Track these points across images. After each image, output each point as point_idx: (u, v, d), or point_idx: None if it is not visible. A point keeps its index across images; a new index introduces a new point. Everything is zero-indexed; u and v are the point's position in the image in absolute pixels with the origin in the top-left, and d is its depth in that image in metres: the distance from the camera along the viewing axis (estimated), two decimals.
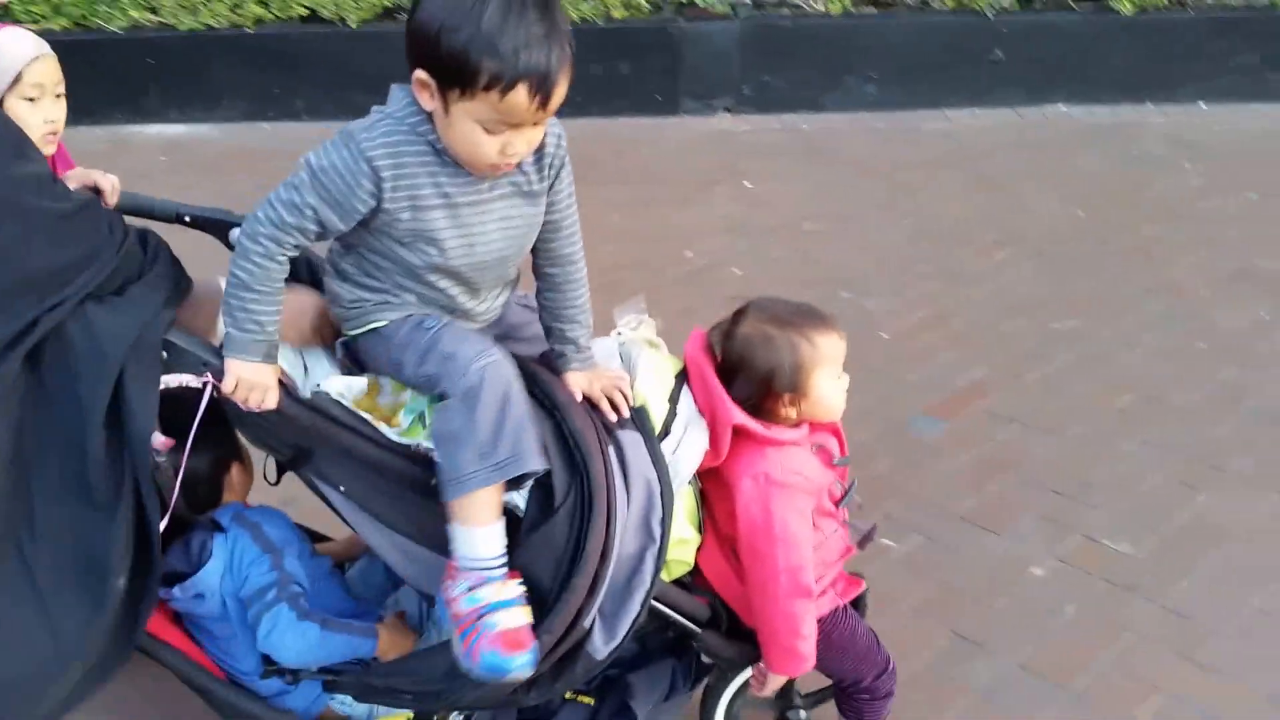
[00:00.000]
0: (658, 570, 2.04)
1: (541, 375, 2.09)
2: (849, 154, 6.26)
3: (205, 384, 1.92)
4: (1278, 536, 3.32)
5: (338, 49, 6.44)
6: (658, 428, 2.11)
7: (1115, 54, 6.92)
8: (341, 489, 2.04)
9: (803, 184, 5.86)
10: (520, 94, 1.75)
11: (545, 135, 1.93)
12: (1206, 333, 4.47)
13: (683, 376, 2.21)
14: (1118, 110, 6.89)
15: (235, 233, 2.01)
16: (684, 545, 2.16)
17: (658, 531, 2.03)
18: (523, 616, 1.92)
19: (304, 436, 2.01)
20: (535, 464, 1.91)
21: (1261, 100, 6.99)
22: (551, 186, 2.01)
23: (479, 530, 1.93)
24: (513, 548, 1.97)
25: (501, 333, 2.16)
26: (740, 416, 2.11)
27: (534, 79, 1.74)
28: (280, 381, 1.94)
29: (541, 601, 1.96)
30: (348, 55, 6.42)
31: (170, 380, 1.92)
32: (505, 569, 1.95)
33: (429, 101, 1.82)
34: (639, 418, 2.10)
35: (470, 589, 1.93)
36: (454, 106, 1.79)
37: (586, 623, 1.99)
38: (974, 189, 5.81)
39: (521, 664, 1.89)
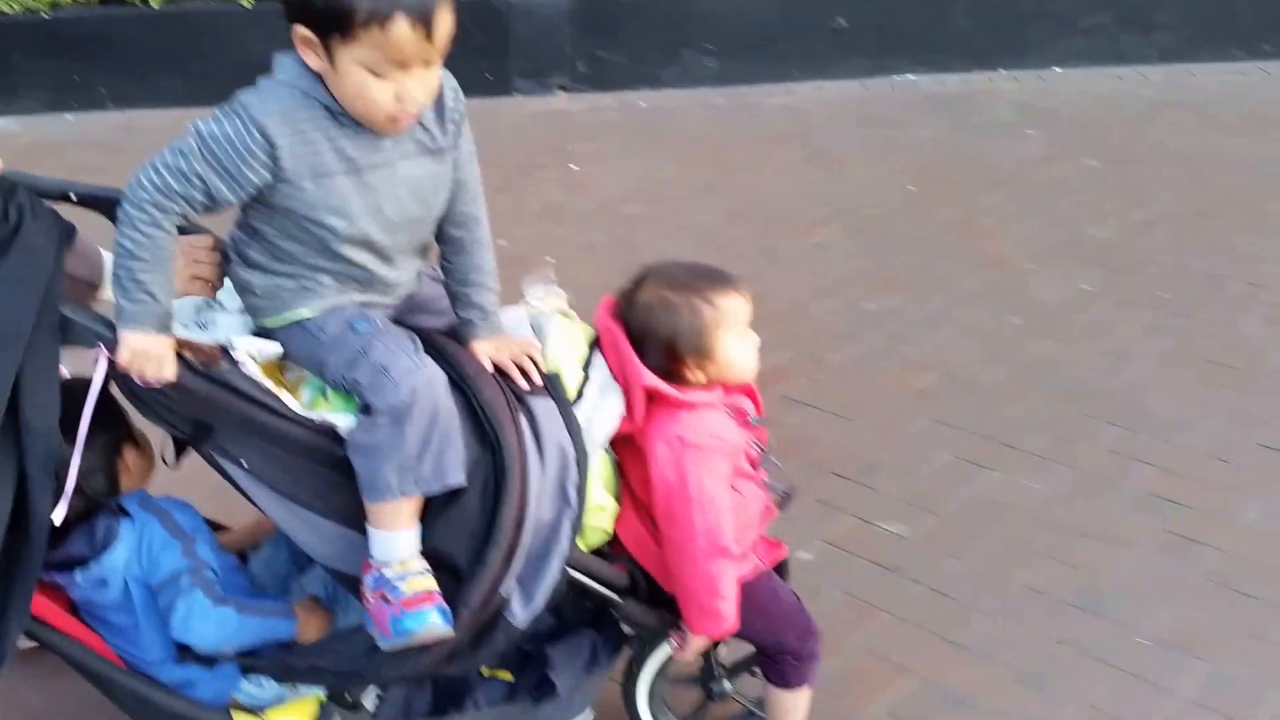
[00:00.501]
0: (574, 535, 2.08)
1: (448, 348, 2.09)
2: (684, 132, 6.25)
3: (99, 358, 1.88)
4: (1059, 512, 3.37)
5: (140, 32, 6.30)
6: (571, 394, 2.14)
7: (964, 20, 6.99)
8: (244, 465, 2.01)
9: (631, 165, 5.86)
10: (401, 25, 1.73)
11: (443, 89, 1.93)
12: (1023, 308, 4.52)
13: (596, 343, 2.24)
14: (968, 79, 6.96)
15: None
16: (601, 512, 2.18)
17: (574, 497, 2.06)
18: (427, 581, 1.96)
19: (204, 410, 1.97)
20: (456, 479, 1.95)
21: (1115, 63, 7.04)
22: (455, 143, 2.00)
23: (396, 534, 1.97)
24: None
25: (413, 307, 2.16)
26: (652, 380, 2.13)
27: (412, 7, 1.72)
28: (178, 353, 1.90)
29: (458, 576, 2.00)
30: (151, 38, 6.32)
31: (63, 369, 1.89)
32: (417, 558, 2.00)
33: (315, 59, 1.80)
34: (551, 384, 2.12)
35: (379, 577, 1.98)
36: (338, 56, 1.77)
37: (504, 591, 2.02)
38: (806, 165, 5.86)
39: (430, 621, 1.94)
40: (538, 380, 2.12)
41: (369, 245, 1.97)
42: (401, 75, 1.79)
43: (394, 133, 1.88)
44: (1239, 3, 7.15)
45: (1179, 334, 4.34)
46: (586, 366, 2.20)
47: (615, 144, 6.12)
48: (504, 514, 1.98)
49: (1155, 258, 4.88)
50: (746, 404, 2.31)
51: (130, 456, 2.28)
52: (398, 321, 2.11)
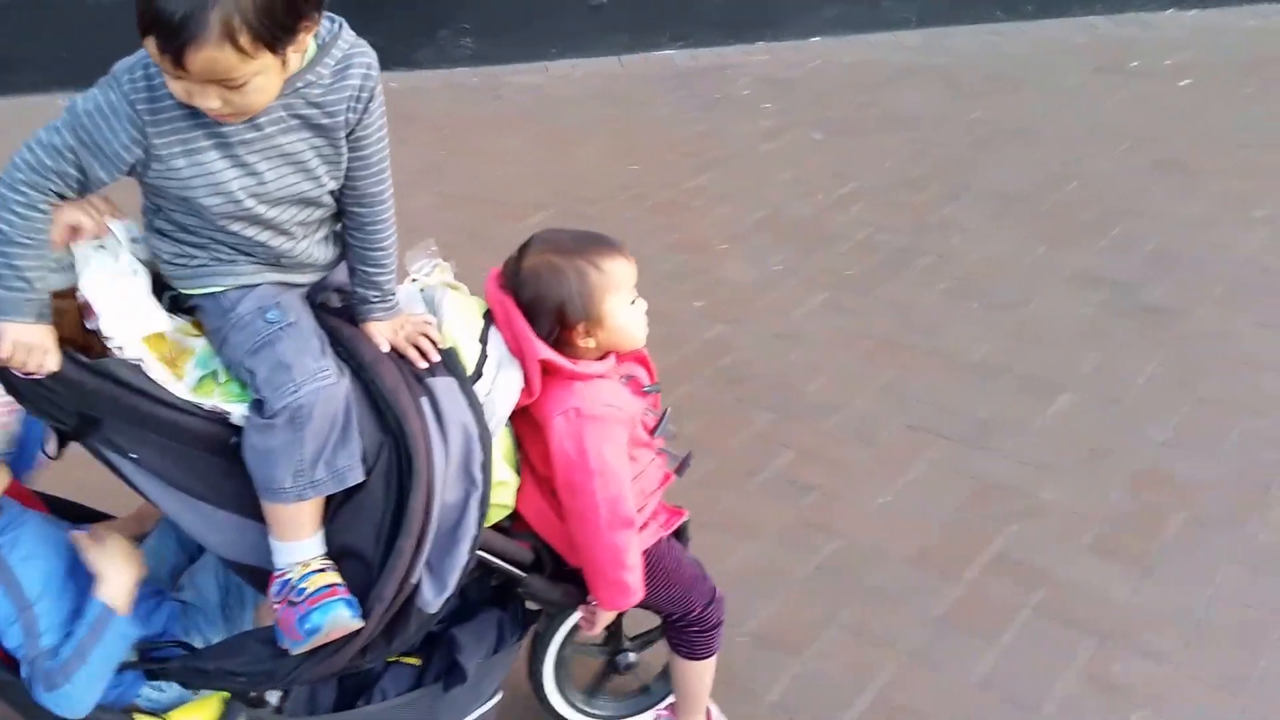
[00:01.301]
0: (483, 515, 2.03)
1: (343, 331, 2.01)
2: (426, 116, 6.11)
3: None
4: (693, 501, 3.24)
5: None
6: (470, 370, 2.07)
7: None
8: (133, 456, 1.91)
9: None
10: (151, 46, 1.62)
11: (351, 67, 1.84)
12: (708, 290, 4.47)
13: (490, 316, 2.17)
14: (724, 52, 6.87)
15: None
16: (503, 488, 2.13)
17: (479, 476, 2.01)
18: (330, 575, 1.92)
19: (89, 403, 1.87)
20: (354, 478, 1.90)
21: (874, 30, 7.03)
22: (360, 120, 1.89)
23: (299, 544, 1.92)
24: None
25: (324, 284, 2.10)
26: (546, 352, 2.09)
27: (163, 32, 1.59)
28: (61, 344, 1.81)
29: (367, 568, 1.95)
30: None
31: None
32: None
33: None
34: (450, 361, 2.05)
35: (283, 583, 1.93)
36: None
37: (415, 579, 1.97)
38: (538, 147, 5.75)
39: (335, 613, 1.90)
40: (436, 359, 2.05)
41: (259, 220, 1.89)
42: (187, 84, 1.68)
43: (228, 122, 1.77)
44: None
45: (854, 312, 4.32)
46: (483, 340, 2.13)
47: None
48: (413, 501, 1.92)
49: (849, 233, 4.85)
50: (640, 372, 2.30)
51: None
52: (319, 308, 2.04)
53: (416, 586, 2.00)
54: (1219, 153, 5.48)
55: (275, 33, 1.67)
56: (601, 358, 2.19)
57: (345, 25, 1.88)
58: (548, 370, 2.13)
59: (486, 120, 6.06)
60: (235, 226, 1.89)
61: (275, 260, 1.97)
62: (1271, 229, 4.76)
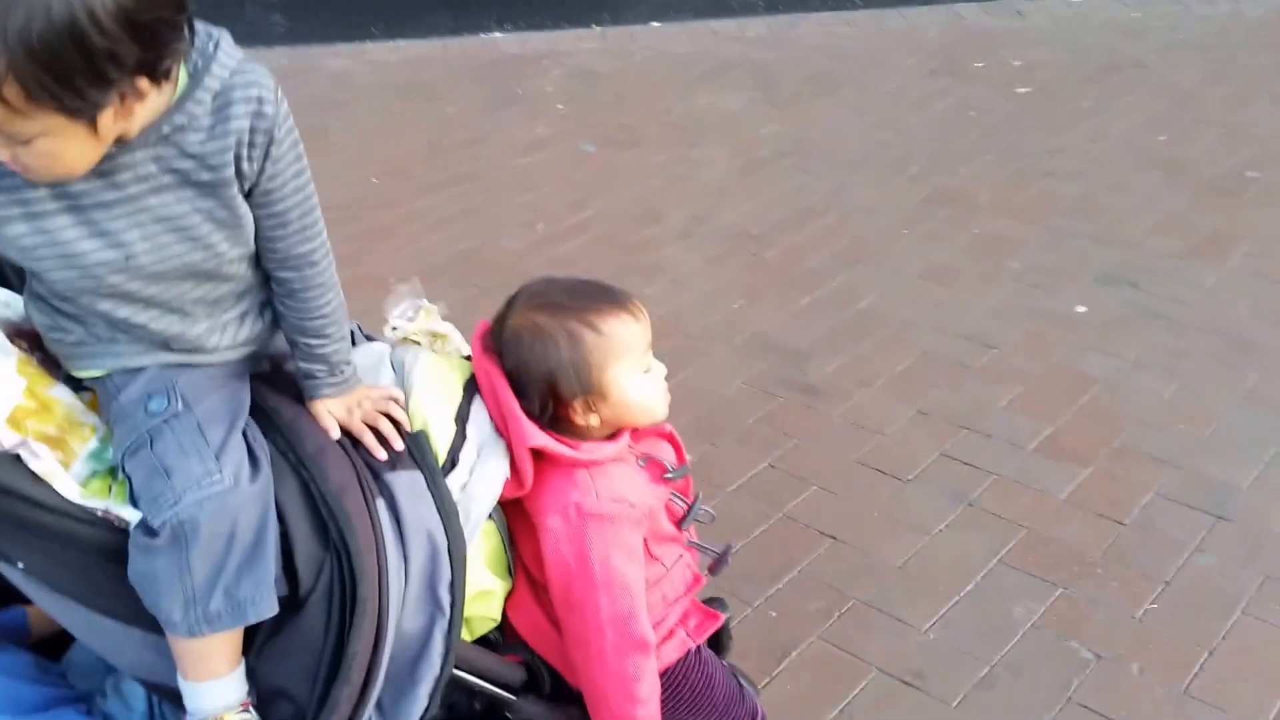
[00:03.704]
0: (449, 649, 1.62)
1: (283, 416, 1.63)
2: None
3: None
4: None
5: None
6: (442, 457, 1.68)
7: None
8: (20, 565, 1.51)
9: None
10: None
11: (232, 104, 1.41)
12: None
13: (473, 384, 1.76)
14: (556, 37, 6.25)
15: None
16: (487, 598, 1.74)
17: (446, 600, 1.61)
18: None
19: None
20: (262, 611, 1.49)
21: (719, 15, 6.38)
22: (262, 170, 1.47)
23: (208, 685, 1.53)
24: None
25: (273, 357, 1.72)
26: (538, 437, 1.68)
27: None
28: None
29: (300, 714, 1.56)
30: None
31: None
32: (238, 704, 1.56)
33: None
34: (417, 448, 1.66)
35: None
36: None
37: None
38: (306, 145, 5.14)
39: None
40: (398, 445, 1.65)
41: (132, 298, 1.50)
42: None
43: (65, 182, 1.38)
44: None
45: None
46: (461, 419, 1.73)
47: None
48: (354, 642, 1.52)
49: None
50: (665, 451, 1.89)
51: None
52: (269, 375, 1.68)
53: None
54: (1006, 184, 4.73)
55: (57, 91, 1.23)
56: (611, 436, 1.76)
57: (225, 41, 1.42)
58: (543, 455, 1.69)
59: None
60: (104, 305, 1.49)
61: (163, 343, 1.56)
62: (1013, 289, 4.03)
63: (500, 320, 1.74)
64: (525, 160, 4.95)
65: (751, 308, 3.87)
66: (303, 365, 1.67)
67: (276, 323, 1.68)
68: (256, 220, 1.55)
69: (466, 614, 1.69)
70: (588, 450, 1.72)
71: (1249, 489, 3.01)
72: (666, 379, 1.84)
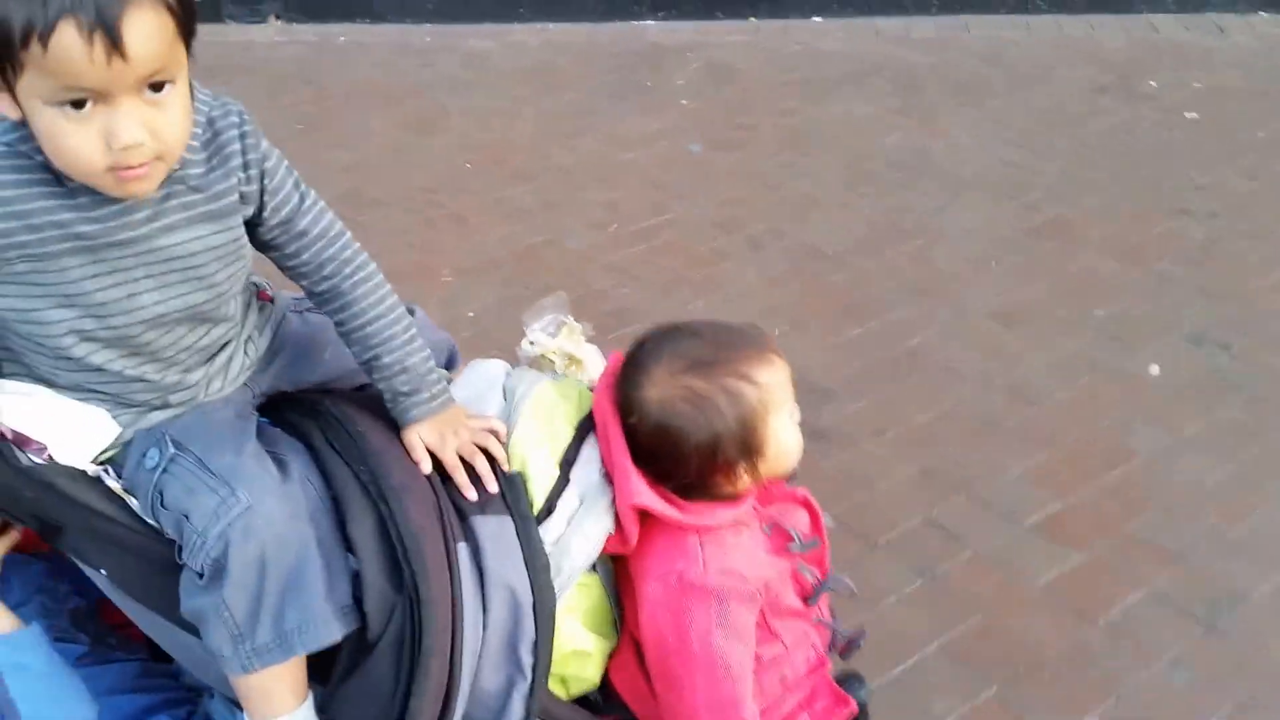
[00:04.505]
0: (529, 713, 1.56)
1: (370, 443, 1.58)
2: (347, 76, 5.73)
3: None
4: None
5: None
6: (538, 503, 1.59)
7: None
8: (103, 571, 1.58)
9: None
10: (67, 36, 1.21)
11: (220, 134, 1.46)
12: None
13: (588, 424, 1.67)
14: (707, 27, 6.11)
15: None
16: (582, 659, 1.63)
17: (528, 662, 1.54)
18: None
19: (40, 510, 1.55)
20: (318, 640, 1.46)
21: (886, 12, 6.10)
22: (263, 190, 1.51)
23: None
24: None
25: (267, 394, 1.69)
26: (644, 495, 1.57)
27: (83, 8, 1.20)
28: (15, 436, 1.52)
29: None
30: None
31: None
32: None
33: (7, 104, 1.30)
34: (511, 491, 1.58)
35: None
36: (21, 95, 1.27)
37: None
38: (398, 131, 5.19)
39: None
40: (492, 487, 1.59)
41: (124, 345, 1.48)
42: (104, 110, 1.26)
43: (131, 194, 1.35)
44: None
45: None
46: (566, 463, 1.63)
47: (251, 81, 5.60)
48: (419, 694, 1.46)
49: (568, 285, 4.17)
50: (799, 517, 1.75)
51: None
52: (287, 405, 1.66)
53: None
54: (1128, 219, 4.30)
55: (190, 20, 1.31)
56: (733, 499, 1.63)
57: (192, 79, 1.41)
58: (650, 514, 1.58)
59: (388, 90, 5.60)
60: (83, 352, 1.46)
61: (161, 402, 1.56)
62: (1087, 340, 3.63)
63: (635, 385, 1.59)
64: (625, 156, 4.83)
65: (794, 334, 3.66)
66: (384, 386, 1.62)
67: (266, 356, 1.68)
68: (274, 243, 1.57)
69: (561, 673, 1.61)
70: (699, 514, 1.60)
71: (1256, 601, 2.63)
72: None
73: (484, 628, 1.51)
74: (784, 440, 1.61)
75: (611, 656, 1.66)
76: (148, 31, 1.24)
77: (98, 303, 1.42)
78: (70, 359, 1.47)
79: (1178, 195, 4.39)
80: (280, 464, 1.53)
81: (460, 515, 1.55)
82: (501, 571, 1.52)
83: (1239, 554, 2.77)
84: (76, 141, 1.28)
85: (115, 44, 1.21)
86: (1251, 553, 2.77)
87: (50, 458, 1.51)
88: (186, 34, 1.31)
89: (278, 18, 6.20)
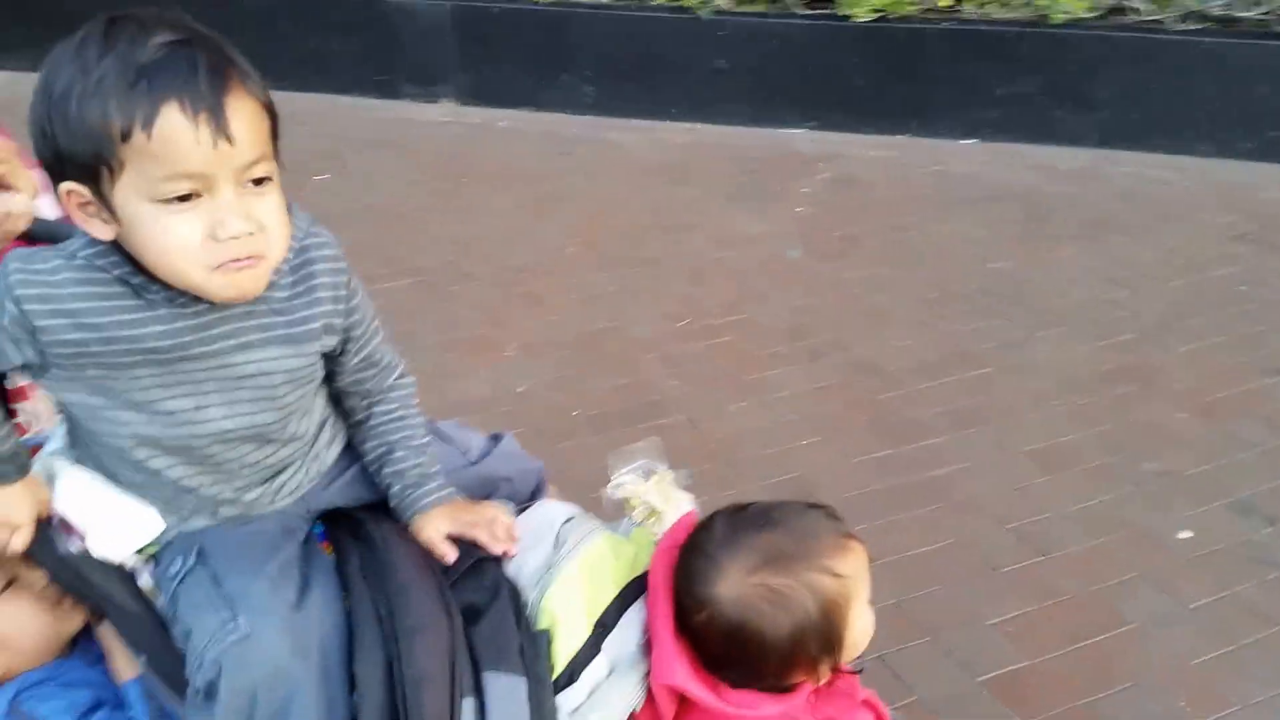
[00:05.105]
0: None
1: (398, 576, 1.52)
2: (494, 157, 5.91)
3: None
4: None
5: None
6: (559, 667, 1.49)
7: (874, 79, 6.00)
8: (143, 658, 1.55)
9: (395, 181, 5.60)
10: (172, 120, 1.20)
11: (310, 254, 1.45)
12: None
13: (634, 590, 1.57)
14: (852, 140, 6.02)
15: None
16: None
17: None
18: None
19: (78, 594, 1.57)
20: None
21: (1042, 140, 5.87)
22: (348, 322, 1.51)
23: None
24: None
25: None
26: (680, 677, 1.46)
27: (187, 93, 1.20)
28: (59, 521, 1.49)
29: None
30: None
31: None
32: None
33: (100, 227, 1.29)
34: (531, 650, 1.48)
35: None
36: (119, 202, 1.25)
37: None
38: (515, 208, 5.31)
39: None
40: (512, 550, 1.58)
41: (185, 453, 1.46)
42: (209, 202, 1.25)
43: (238, 293, 1.33)
44: None
45: None
46: (603, 626, 1.53)
47: (404, 155, 5.84)
48: None
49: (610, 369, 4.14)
50: (860, 718, 1.59)
51: None
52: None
53: None
54: (1217, 373, 3.96)
55: (277, 126, 1.34)
56: (789, 690, 1.50)
57: (294, 206, 1.41)
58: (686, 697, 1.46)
59: (524, 173, 5.73)
60: (143, 455, 1.46)
61: (211, 511, 1.55)
62: (1122, 493, 3.35)
63: (708, 583, 1.45)
64: (721, 254, 4.78)
65: (820, 447, 3.52)
66: (392, 480, 1.63)
67: (329, 473, 1.66)
68: (342, 367, 1.58)
69: None
70: (742, 704, 1.47)
71: None
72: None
73: None
74: (862, 627, 1.52)
75: None
76: (248, 118, 1.26)
77: (165, 411, 1.41)
78: (130, 460, 1.47)
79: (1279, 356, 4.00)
80: (306, 587, 1.48)
81: (475, 666, 1.47)
82: None
83: None
84: (181, 237, 1.26)
85: (220, 125, 1.22)
86: None
87: (85, 550, 1.50)
88: (276, 137, 1.32)
89: (453, 100, 6.36)
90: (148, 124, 1.20)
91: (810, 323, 4.22)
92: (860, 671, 1.65)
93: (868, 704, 1.61)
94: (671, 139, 5.96)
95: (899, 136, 5.92)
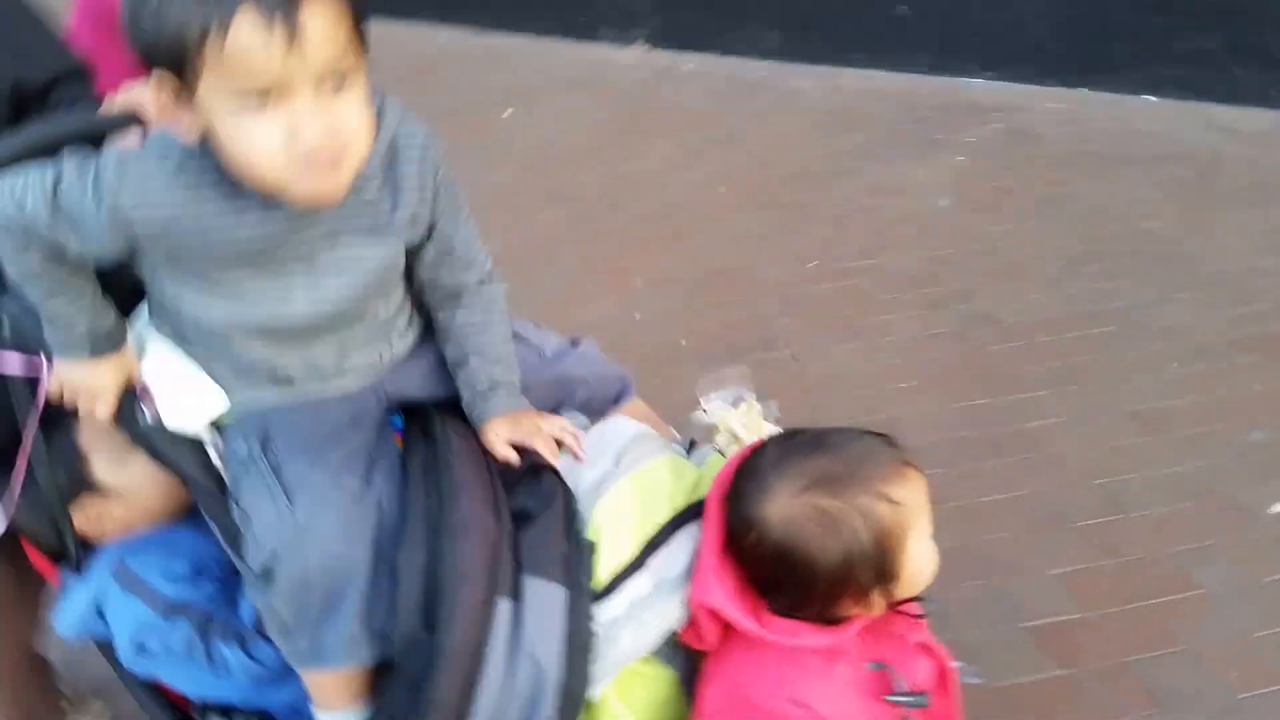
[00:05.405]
0: None
1: (455, 475, 1.52)
2: (672, 99, 5.98)
3: (38, 373, 1.53)
4: None
5: None
6: (603, 579, 1.47)
7: (1050, 27, 5.78)
8: (215, 526, 1.59)
9: (569, 119, 5.75)
10: (243, 29, 1.17)
11: (400, 144, 1.45)
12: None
13: (692, 514, 1.53)
14: (1029, 92, 5.84)
15: None
16: None
17: None
18: None
19: (162, 463, 1.60)
20: (343, 661, 1.46)
21: (1225, 100, 5.62)
22: (434, 210, 1.51)
23: (330, 714, 1.55)
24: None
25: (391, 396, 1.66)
26: (715, 597, 1.42)
27: (260, 1, 1.17)
28: (141, 390, 1.53)
29: None
30: None
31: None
32: None
33: (187, 125, 1.29)
34: (576, 558, 1.47)
35: None
36: (203, 101, 1.24)
37: None
38: (672, 150, 5.39)
39: None
40: (582, 456, 1.58)
41: (272, 335, 1.50)
42: (286, 106, 1.23)
43: (318, 195, 1.31)
44: None
45: None
46: (650, 545, 1.50)
47: (561, 97, 5.98)
48: None
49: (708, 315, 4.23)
50: (916, 664, 1.49)
51: (95, 503, 1.72)
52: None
53: None
54: None
55: (364, 21, 1.27)
56: (844, 623, 1.43)
57: (389, 99, 1.44)
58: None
59: (695, 116, 5.78)
60: (238, 338, 1.50)
61: (283, 379, 1.56)
62: (1222, 458, 3.24)
63: (755, 504, 1.40)
64: (870, 201, 4.78)
65: (915, 393, 3.56)
66: (464, 385, 1.62)
67: (405, 360, 1.67)
68: (425, 260, 1.58)
69: None
70: (782, 632, 1.40)
71: None
72: None
73: (500, 696, 1.41)
74: (920, 561, 1.43)
75: None
76: (326, 21, 1.21)
77: (251, 300, 1.44)
78: (211, 339, 1.50)
79: None
80: (368, 478, 1.49)
81: (518, 567, 1.44)
82: (534, 640, 1.41)
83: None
84: (260, 140, 1.24)
85: (294, 31, 1.18)
86: None
87: (158, 419, 1.53)
88: (361, 35, 1.27)
89: (646, 42, 6.46)
90: (223, 27, 1.17)
91: (940, 272, 4.20)
92: (923, 616, 1.55)
93: (926, 649, 1.50)
94: (849, 85, 5.93)
95: (1079, 90, 5.73)
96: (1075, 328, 3.84)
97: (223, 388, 1.56)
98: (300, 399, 1.56)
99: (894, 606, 1.50)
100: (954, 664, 1.55)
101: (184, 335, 1.55)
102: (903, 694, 1.41)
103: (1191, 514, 3.02)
